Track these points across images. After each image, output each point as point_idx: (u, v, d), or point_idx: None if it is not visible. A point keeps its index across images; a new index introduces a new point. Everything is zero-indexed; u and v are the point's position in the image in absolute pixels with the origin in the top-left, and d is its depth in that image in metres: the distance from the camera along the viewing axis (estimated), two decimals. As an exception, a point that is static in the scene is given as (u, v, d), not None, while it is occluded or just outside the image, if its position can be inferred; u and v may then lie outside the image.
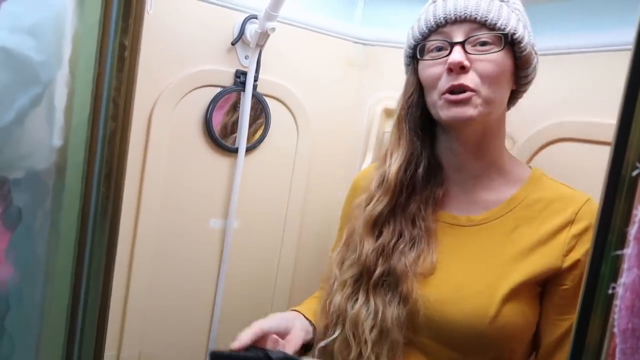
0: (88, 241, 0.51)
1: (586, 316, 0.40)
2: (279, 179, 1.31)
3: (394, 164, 0.89)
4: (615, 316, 0.37)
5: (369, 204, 0.90)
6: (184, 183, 1.19)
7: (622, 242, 0.38)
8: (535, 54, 0.86)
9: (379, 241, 0.88)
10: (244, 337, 0.83)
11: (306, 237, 1.35)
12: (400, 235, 0.88)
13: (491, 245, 0.83)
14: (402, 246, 0.86)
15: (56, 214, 0.52)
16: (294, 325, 0.90)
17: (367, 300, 0.86)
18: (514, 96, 0.89)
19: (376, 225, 0.89)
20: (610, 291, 0.38)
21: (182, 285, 1.22)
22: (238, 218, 1.26)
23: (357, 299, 0.87)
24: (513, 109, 0.92)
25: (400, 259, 0.85)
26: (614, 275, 0.39)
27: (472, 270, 0.83)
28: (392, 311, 0.83)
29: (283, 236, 1.33)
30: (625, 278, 0.36)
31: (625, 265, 0.37)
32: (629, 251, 0.36)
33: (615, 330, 0.37)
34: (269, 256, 1.33)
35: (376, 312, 0.84)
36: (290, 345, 0.86)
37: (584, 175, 0.95)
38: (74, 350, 0.55)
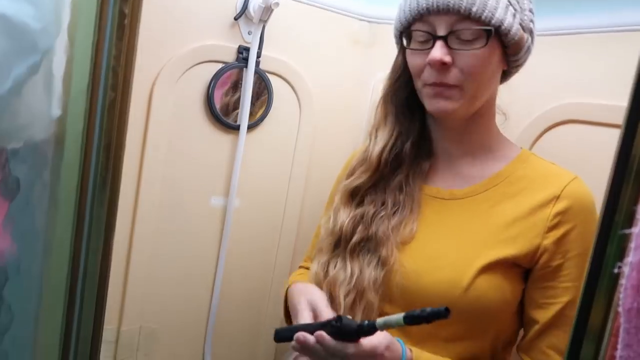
0: (87, 212, 0.51)
1: (590, 295, 0.40)
2: (281, 156, 1.30)
3: (378, 144, 0.90)
4: (621, 295, 0.36)
5: (348, 179, 0.92)
6: (185, 160, 1.18)
7: (629, 221, 0.38)
8: (530, 35, 0.83)
9: (358, 210, 0.89)
10: (306, 316, 0.82)
11: (308, 215, 1.35)
12: (383, 204, 0.89)
13: (471, 219, 0.84)
14: (383, 213, 0.87)
15: (55, 185, 0.52)
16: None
17: (344, 265, 0.87)
18: (507, 73, 0.87)
19: (353, 197, 0.91)
20: (615, 270, 0.38)
21: (183, 260, 1.22)
22: (239, 196, 1.25)
23: (335, 265, 0.88)
24: (520, 90, 0.91)
25: (383, 223, 0.86)
26: (620, 255, 0.38)
27: (449, 242, 0.83)
28: (370, 272, 0.84)
29: (284, 214, 1.33)
30: (632, 257, 0.36)
31: (632, 244, 0.36)
32: (637, 230, 0.36)
33: (620, 309, 0.36)
34: (270, 234, 1.33)
35: (352, 276, 0.85)
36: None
37: (589, 157, 0.94)
38: (73, 322, 0.55)
